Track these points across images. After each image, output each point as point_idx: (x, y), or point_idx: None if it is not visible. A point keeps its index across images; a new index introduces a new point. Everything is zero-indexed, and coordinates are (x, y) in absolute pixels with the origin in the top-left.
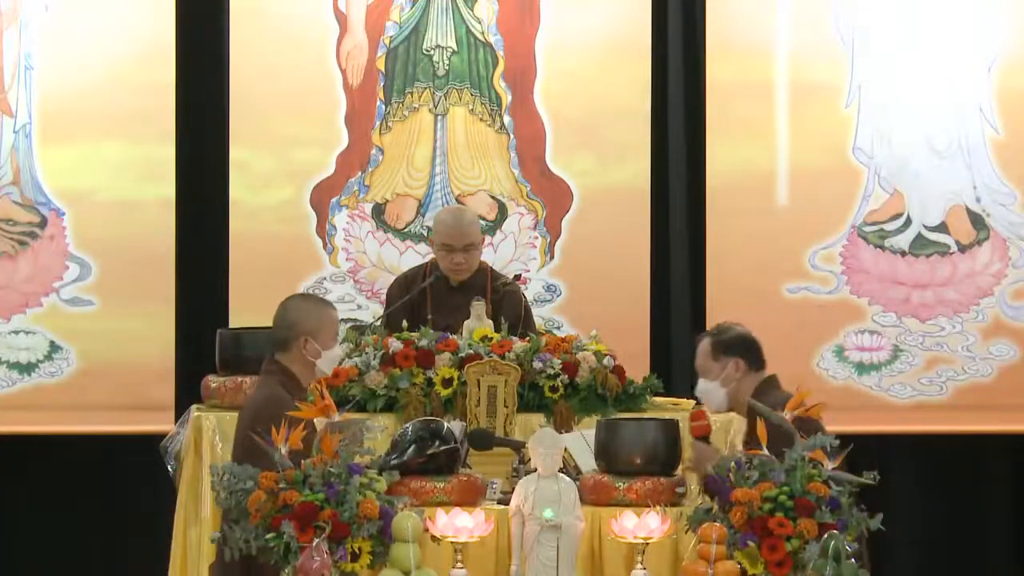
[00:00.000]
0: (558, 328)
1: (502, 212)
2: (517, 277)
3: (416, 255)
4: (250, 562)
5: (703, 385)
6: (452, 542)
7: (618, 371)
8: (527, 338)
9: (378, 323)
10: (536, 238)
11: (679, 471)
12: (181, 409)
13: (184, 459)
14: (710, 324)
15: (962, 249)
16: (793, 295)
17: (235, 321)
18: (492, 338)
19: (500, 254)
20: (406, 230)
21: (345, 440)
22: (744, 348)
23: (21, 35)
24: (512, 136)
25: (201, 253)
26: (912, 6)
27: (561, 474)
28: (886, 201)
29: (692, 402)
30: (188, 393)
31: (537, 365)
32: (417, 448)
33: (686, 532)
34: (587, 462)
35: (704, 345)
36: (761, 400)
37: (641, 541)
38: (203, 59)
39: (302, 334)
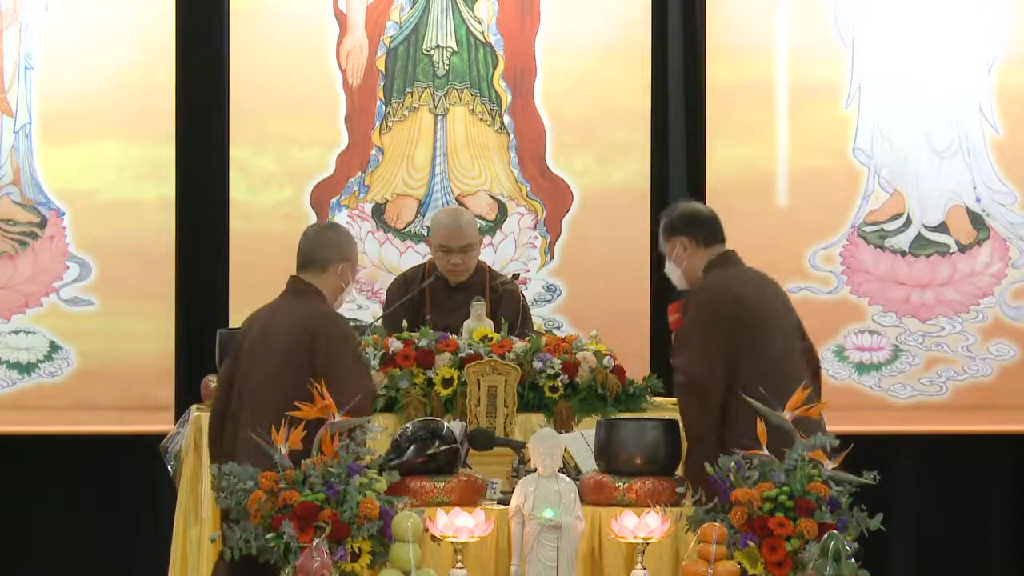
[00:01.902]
0: (558, 328)
1: (502, 212)
2: (515, 276)
3: (416, 255)
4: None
5: (668, 265)
6: (452, 542)
7: (618, 371)
8: (527, 338)
9: (378, 323)
10: (536, 238)
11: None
12: (181, 409)
13: (184, 459)
14: None
15: (962, 249)
16: (793, 295)
17: (235, 321)
18: (492, 338)
19: (500, 254)
20: (406, 230)
21: (345, 440)
22: (687, 225)
23: (21, 35)
24: (512, 136)
25: (201, 253)
26: (912, 6)
27: (561, 474)
28: (886, 201)
29: None
30: (188, 393)
31: (537, 365)
32: (417, 448)
33: (686, 532)
34: (587, 462)
35: (660, 229)
36: (711, 276)
37: (641, 541)
38: (203, 59)
39: (344, 259)
